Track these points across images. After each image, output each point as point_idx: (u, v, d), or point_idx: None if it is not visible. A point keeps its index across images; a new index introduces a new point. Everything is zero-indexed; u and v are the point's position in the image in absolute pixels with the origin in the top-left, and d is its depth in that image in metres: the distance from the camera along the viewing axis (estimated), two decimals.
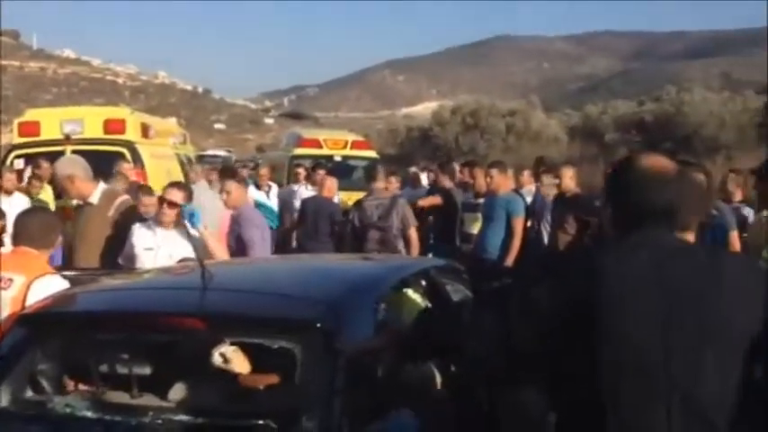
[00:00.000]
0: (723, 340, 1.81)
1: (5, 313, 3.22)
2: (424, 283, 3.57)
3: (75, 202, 5.57)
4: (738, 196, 6.68)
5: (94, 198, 5.28)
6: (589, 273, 1.86)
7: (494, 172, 6.86)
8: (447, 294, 3.64)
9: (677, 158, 2.19)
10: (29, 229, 3.58)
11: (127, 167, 7.56)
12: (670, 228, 1.96)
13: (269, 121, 48.70)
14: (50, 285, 3.30)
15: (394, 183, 8.51)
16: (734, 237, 5.47)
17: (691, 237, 2.37)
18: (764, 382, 1.88)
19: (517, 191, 7.49)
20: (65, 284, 3.38)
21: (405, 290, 3.46)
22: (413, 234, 6.57)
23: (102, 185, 5.46)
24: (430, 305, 3.47)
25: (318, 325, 2.51)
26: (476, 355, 2.06)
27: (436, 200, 8.12)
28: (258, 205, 7.91)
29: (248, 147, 37.31)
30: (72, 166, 5.37)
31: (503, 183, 6.86)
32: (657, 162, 2.00)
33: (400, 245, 6.49)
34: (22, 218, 3.76)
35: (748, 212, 6.08)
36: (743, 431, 1.87)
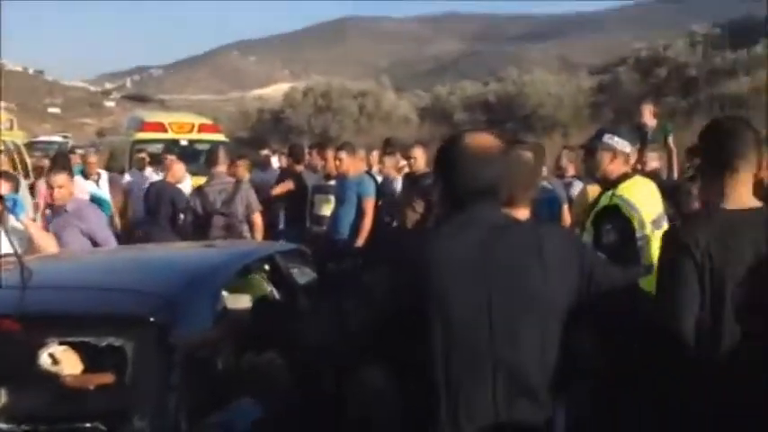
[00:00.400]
0: (542, 312, 1.91)
1: None
2: (268, 268, 3.52)
3: None
4: (571, 171, 7.08)
5: None
6: (418, 258, 1.91)
7: (342, 154, 6.89)
8: (292, 280, 3.61)
9: (504, 137, 2.27)
10: None
11: None
12: (496, 204, 2.03)
13: (110, 104, 46.21)
14: None
15: (241, 166, 8.31)
16: (566, 210, 5.82)
17: (523, 212, 2.46)
18: (582, 350, 2.01)
19: (368, 172, 7.55)
20: None
21: (248, 277, 3.39)
22: (257, 219, 6.48)
23: None
24: (275, 291, 3.43)
25: (152, 319, 2.40)
26: (313, 343, 2.04)
27: (288, 186, 8.05)
28: (93, 198, 7.50)
29: (87, 132, 35.28)
30: None
31: (352, 164, 6.89)
32: (482, 140, 2.06)
33: (245, 230, 6.37)
34: None
35: (578, 186, 6.47)
36: (565, 399, 1.99)
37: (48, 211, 5.25)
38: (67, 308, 2.52)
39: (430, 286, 1.88)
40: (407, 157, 7.65)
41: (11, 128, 10.03)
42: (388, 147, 8.74)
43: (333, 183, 7.29)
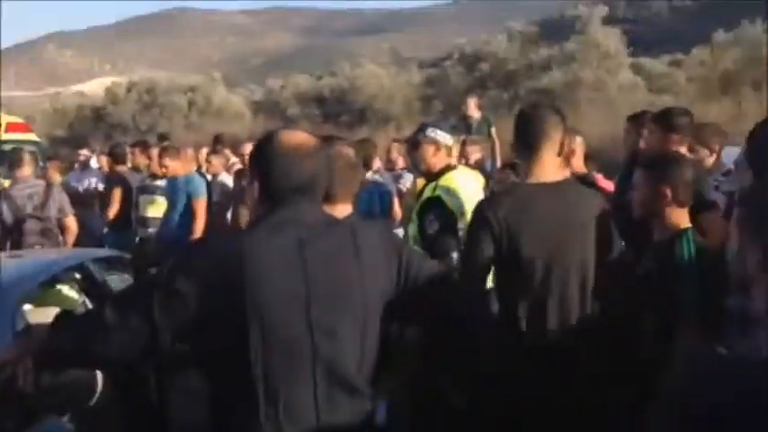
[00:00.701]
0: (360, 308, 1.93)
1: None
2: (80, 277, 3.28)
3: None
4: (401, 164, 7.23)
5: None
6: (234, 256, 1.85)
7: (167, 161, 6.63)
8: (108, 288, 3.38)
9: (320, 135, 2.25)
10: None
11: None
12: (314, 202, 2.00)
13: None
14: None
15: (52, 168, 7.77)
16: (396, 203, 5.92)
17: (343, 209, 2.46)
18: (399, 344, 2.03)
19: (199, 170, 7.30)
20: None
21: (57, 287, 3.14)
22: (70, 223, 6.06)
23: None
24: (87, 301, 3.20)
25: None
26: (112, 356, 1.90)
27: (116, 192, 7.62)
28: None
29: None
30: None
31: (181, 166, 6.65)
32: (296, 137, 2.03)
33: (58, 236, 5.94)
34: None
35: (407, 179, 6.61)
36: (385, 393, 2.01)
37: None
38: None
39: (245, 286, 1.82)
40: (239, 155, 7.50)
41: None
42: (218, 144, 8.52)
43: (159, 183, 6.99)
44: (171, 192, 6.65)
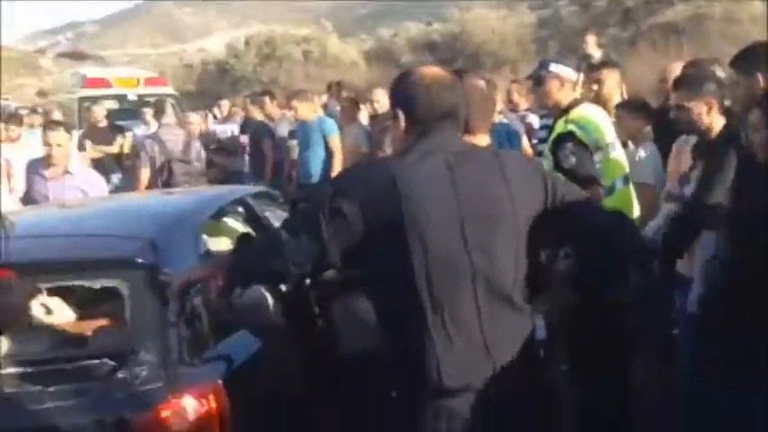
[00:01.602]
0: (510, 227, 2.04)
1: None
2: (242, 210, 3.62)
3: None
4: (524, 105, 7.25)
5: None
6: (388, 179, 1.99)
7: (295, 103, 6.98)
8: (267, 220, 3.71)
9: (452, 70, 2.38)
10: None
11: None
12: (456, 131, 2.14)
13: (46, 62, 44.59)
14: None
15: (194, 118, 8.34)
16: (525, 142, 6.01)
17: (483, 139, 2.59)
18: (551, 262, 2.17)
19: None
20: None
21: (224, 219, 3.49)
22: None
23: None
24: (251, 233, 3.53)
25: (139, 261, 2.50)
26: (294, 271, 2.12)
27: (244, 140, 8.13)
28: None
29: (27, 93, 34.04)
30: None
31: (309, 110, 6.99)
32: (434, 70, 2.18)
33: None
34: None
35: (533, 119, 6.64)
36: (541, 309, 2.16)
37: (45, 173, 4.89)
38: (57, 254, 2.59)
39: (402, 207, 1.96)
40: (367, 101, 7.79)
41: None
42: (340, 90, 8.81)
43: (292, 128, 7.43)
44: (303, 134, 7.01)
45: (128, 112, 10.67)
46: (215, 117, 10.63)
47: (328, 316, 2.97)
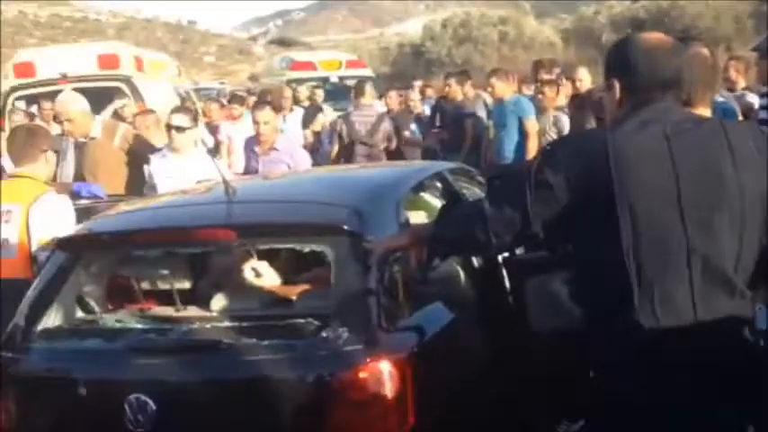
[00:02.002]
0: (736, 204, 1.88)
1: (13, 245, 3.30)
2: (439, 185, 3.65)
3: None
4: (741, 83, 6.67)
5: (96, 132, 5.33)
6: (600, 149, 1.89)
7: (494, 80, 6.92)
8: (463, 195, 3.72)
9: (677, 36, 2.22)
10: (15, 147, 3.63)
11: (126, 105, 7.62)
12: (677, 99, 2.00)
13: (258, 49, 47.98)
14: (48, 206, 3.36)
15: (394, 98, 8.57)
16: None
17: (705, 112, 2.39)
18: None
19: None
20: (62, 199, 3.44)
21: (422, 193, 3.55)
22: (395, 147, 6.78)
23: (101, 118, 5.53)
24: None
25: (345, 227, 2.61)
26: (495, 243, 2.09)
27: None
28: None
29: (240, 77, 36.81)
30: (72, 103, 5.36)
31: (506, 89, 6.91)
32: (656, 35, 2.04)
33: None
34: (8, 138, 3.85)
35: (752, 98, 6.09)
36: (765, 298, 1.97)
37: (257, 149, 5.29)
38: (275, 218, 2.78)
39: (612, 177, 1.86)
40: (569, 79, 7.55)
41: (179, 74, 10.75)
42: (542, 68, 8.59)
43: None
44: (498, 114, 6.95)
45: (329, 93, 11.21)
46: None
47: (519, 294, 2.94)
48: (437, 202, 3.58)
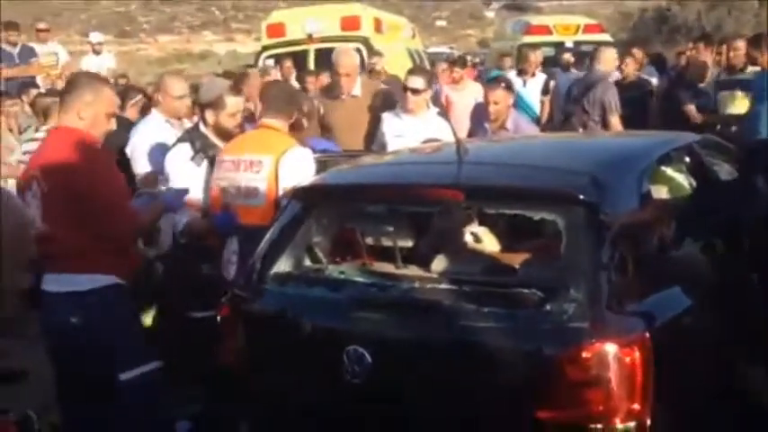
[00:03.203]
0: None
1: (263, 194, 3.47)
2: (687, 159, 3.32)
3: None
4: None
5: (357, 90, 5.39)
6: None
7: (739, 43, 6.17)
8: (712, 172, 3.36)
9: None
10: (268, 99, 3.78)
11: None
12: None
13: (490, 14, 47.53)
14: (296, 159, 3.48)
15: (631, 64, 7.97)
16: None
17: None
18: None
19: None
20: (307, 153, 3.56)
21: (668, 165, 3.24)
22: (614, 121, 6.16)
23: (360, 79, 5.57)
24: (692, 182, 3.24)
25: (581, 197, 2.44)
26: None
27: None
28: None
29: (469, 42, 36.79)
30: (353, 60, 5.40)
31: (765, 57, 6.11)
32: None
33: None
34: (263, 89, 4.05)
35: None
36: None
37: (487, 125, 5.04)
38: (506, 182, 2.66)
39: None
40: None
41: (413, 36, 10.91)
42: None
43: (741, 77, 6.61)
44: (758, 85, 6.20)
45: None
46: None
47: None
48: (684, 177, 3.26)
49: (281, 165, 3.48)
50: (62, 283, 2.98)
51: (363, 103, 5.37)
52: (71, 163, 2.99)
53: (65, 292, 2.98)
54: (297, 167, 3.44)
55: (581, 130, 6.18)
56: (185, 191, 3.53)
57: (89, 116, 3.06)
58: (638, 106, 7.15)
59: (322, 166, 3.67)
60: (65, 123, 3.10)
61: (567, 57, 9.95)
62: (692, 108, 6.67)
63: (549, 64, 10.14)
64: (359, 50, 8.30)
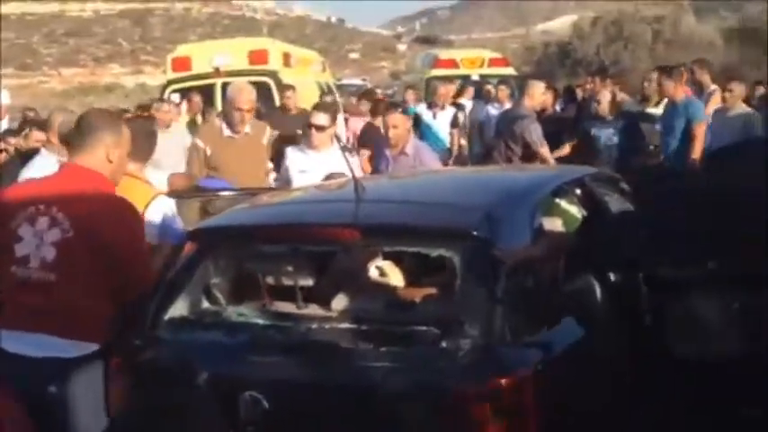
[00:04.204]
0: None
1: None
2: (579, 192, 3.43)
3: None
4: None
5: (248, 127, 5.30)
6: None
7: (664, 79, 6.48)
8: (605, 204, 3.48)
9: None
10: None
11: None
12: None
13: (401, 47, 48.50)
14: (160, 208, 3.29)
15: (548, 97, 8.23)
16: None
17: None
18: None
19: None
20: (170, 202, 3.39)
21: (560, 199, 3.35)
22: (543, 152, 6.40)
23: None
24: (586, 214, 3.35)
25: (474, 233, 2.47)
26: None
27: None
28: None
29: (382, 74, 37.35)
30: (252, 95, 5.13)
31: (676, 89, 6.43)
32: None
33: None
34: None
35: None
36: None
37: (387, 152, 5.12)
38: (402, 220, 2.68)
39: None
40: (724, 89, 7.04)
41: (323, 70, 10.97)
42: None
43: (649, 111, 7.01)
44: (668, 116, 6.52)
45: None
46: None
47: (660, 315, 2.71)
48: (576, 210, 3.37)
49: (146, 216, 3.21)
50: (44, 347, 2.61)
51: (256, 140, 5.18)
52: (103, 209, 2.74)
53: (44, 357, 2.60)
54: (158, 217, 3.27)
55: (502, 164, 6.32)
56: None
57: (116, 158, 2.84)
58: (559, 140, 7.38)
59: (229, 203, 3.61)
60: (86, 164, 2.81)
61: (488, 88, 10.29)
62: (544, 152, 6.57)
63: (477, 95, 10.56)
64: (266, 84, 8.31)
